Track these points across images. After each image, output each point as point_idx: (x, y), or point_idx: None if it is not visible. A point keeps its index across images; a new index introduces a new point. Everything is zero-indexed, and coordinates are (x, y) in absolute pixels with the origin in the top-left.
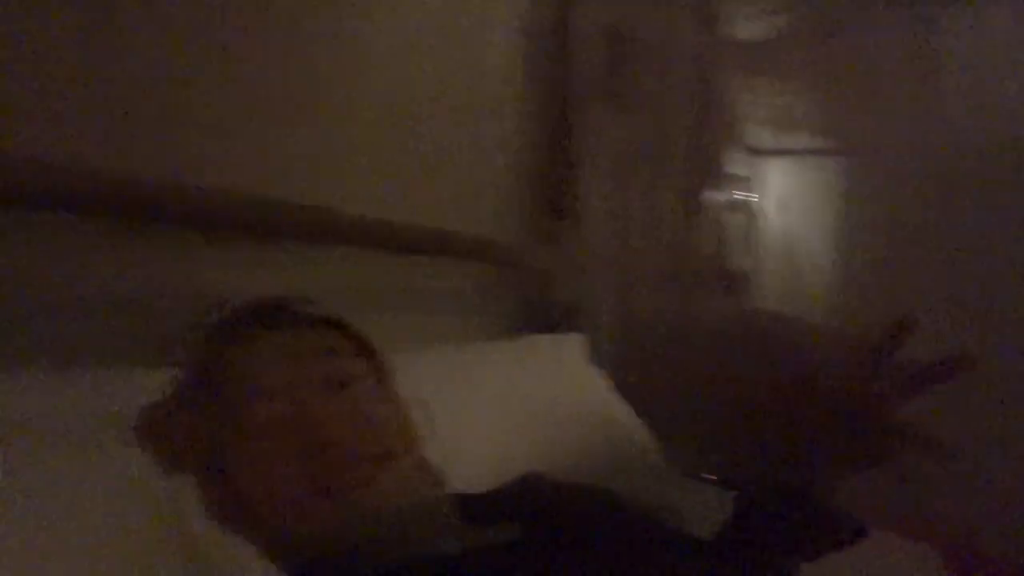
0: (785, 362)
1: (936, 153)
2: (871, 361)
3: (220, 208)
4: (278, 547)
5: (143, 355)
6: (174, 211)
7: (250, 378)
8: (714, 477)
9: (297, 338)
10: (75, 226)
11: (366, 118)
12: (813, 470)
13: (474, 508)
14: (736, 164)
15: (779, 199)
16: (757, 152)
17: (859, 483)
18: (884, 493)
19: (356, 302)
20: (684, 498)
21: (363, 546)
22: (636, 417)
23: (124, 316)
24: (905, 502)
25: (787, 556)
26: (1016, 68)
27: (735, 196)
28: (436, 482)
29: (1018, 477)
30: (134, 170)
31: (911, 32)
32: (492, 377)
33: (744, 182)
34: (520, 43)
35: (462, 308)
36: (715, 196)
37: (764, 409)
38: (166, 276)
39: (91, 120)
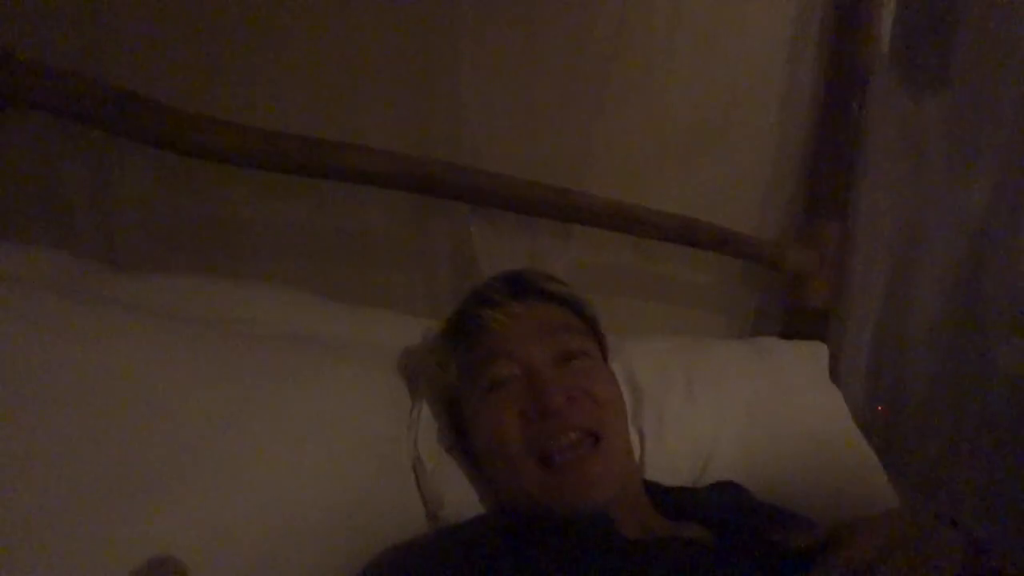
0: None
1: None
2: None
3: (497, 187)
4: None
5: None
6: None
7: (497, 339)
8: None
9: (539, 310)
10: None
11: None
12: None
13: (665, 500)
14: None
15: None
16: None
17: None
18: None
19: (601, 283)
20: None
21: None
22: (869, 448)
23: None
24: None
25: None
26: None
27: None
28: (635, 468)
29: None
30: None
31: None
32: (717, 373)
33: None
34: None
35: (704, 302)
36: None
37: None
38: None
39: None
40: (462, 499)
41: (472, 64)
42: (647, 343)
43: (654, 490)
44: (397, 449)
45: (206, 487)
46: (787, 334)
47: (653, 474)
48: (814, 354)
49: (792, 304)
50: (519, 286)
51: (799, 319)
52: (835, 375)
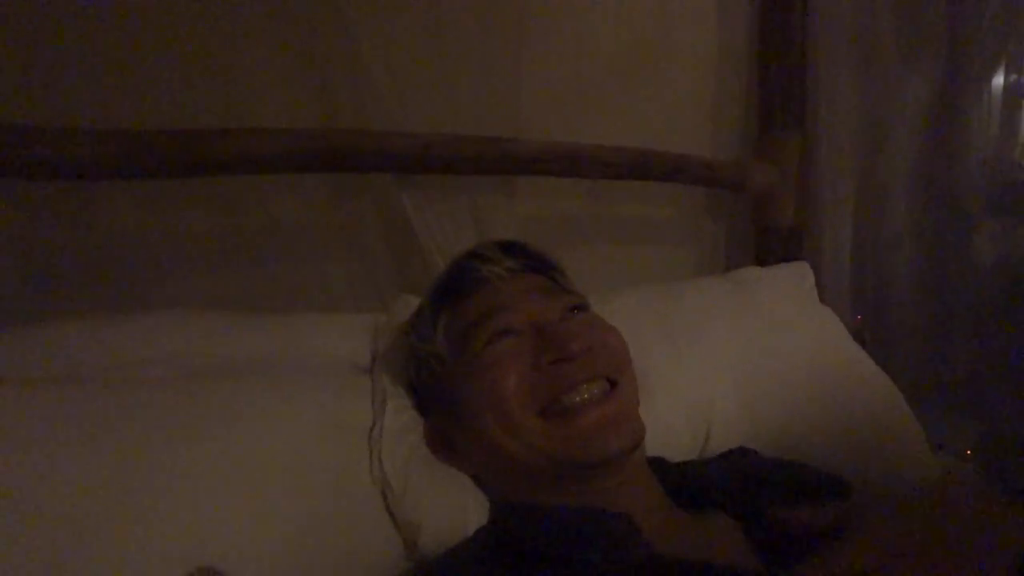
0: None
1: None
2: None
3: (419, 148)
4: (490, 471)
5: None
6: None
7: (499, 292)
8: None
9: (537, 276)
10: None
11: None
12: None
13: (676, 482)
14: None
15: None
16: None
17: None
18: None
19: (554, 234)
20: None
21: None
22: (879, 369)
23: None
24: None
25: None
26: None
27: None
28: (641, 425)
29: None
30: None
31: None
32: (699, 321)
33: None
34: None
35: (669, 238)
36: (998, 79)
37: None
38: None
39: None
40: (443, 522)
41: (369, 15)
42: (613, 299)
43: (661, 469)
44: (355, 479)
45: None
46: (761, 258)
47: (652, 447)
48: (798, 276)
49: (761, 226)
50: (512, 249)
51: (771, 240)
52: (819, 292)
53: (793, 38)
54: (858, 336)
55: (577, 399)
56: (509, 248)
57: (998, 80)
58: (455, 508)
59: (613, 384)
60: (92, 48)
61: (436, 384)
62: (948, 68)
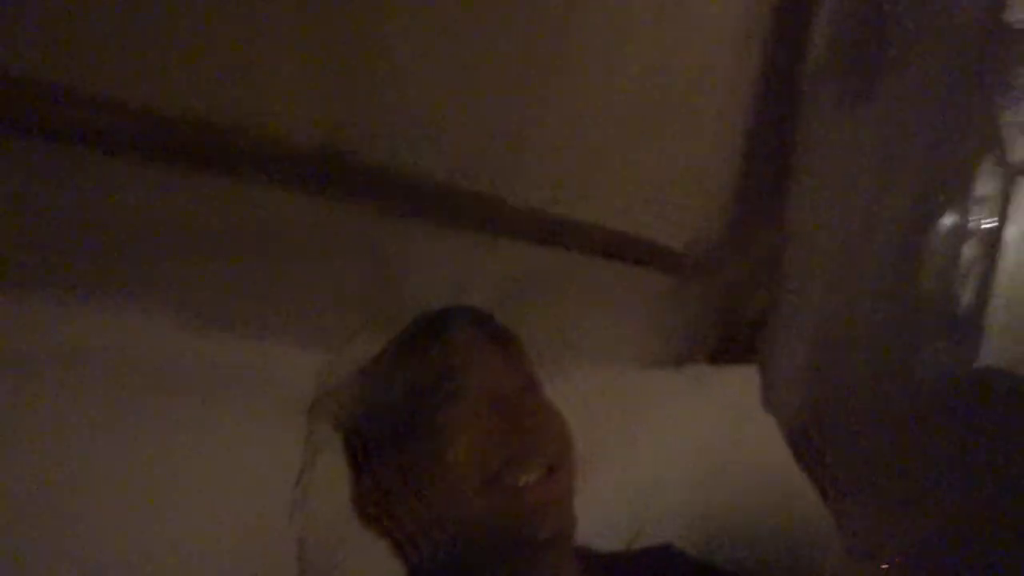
0: (1015, 433)
1: None
2: None
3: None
4: (421, 538)
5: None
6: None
7: (470, 351)
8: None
9: (498, 344)
10: None
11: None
12: None
13: (595, 566)
14: (984, 181)
15: None
16: (1013, 169)
17: None
18: None
19: (537, 297)
20: None
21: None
22: (809, 485)
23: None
24: None
25: None
26: None
27: (973, 221)
28: (574, 518)
29: None
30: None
31: None
32: (653, 411)
33: (989, 204)
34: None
35: (636, 314)
36: (950, 218)
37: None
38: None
39: None
40: None
41: (408, 45)
42: (571, 375)
43: (587, 559)
44: (273, 529)
45: None
46: (721, 348)
47: (583, 531)
48: (747, 380)
49: (725, 316)
50: (483, 317)
51: (733, 331)
52: (772, 387)
53: (785, 137)
54: (804, 435)
55: (521, 479)
56: (480, 314)
57: (956, 215)
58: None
59: (552, 470)
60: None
61: (382, 438)
62: (917, 196)
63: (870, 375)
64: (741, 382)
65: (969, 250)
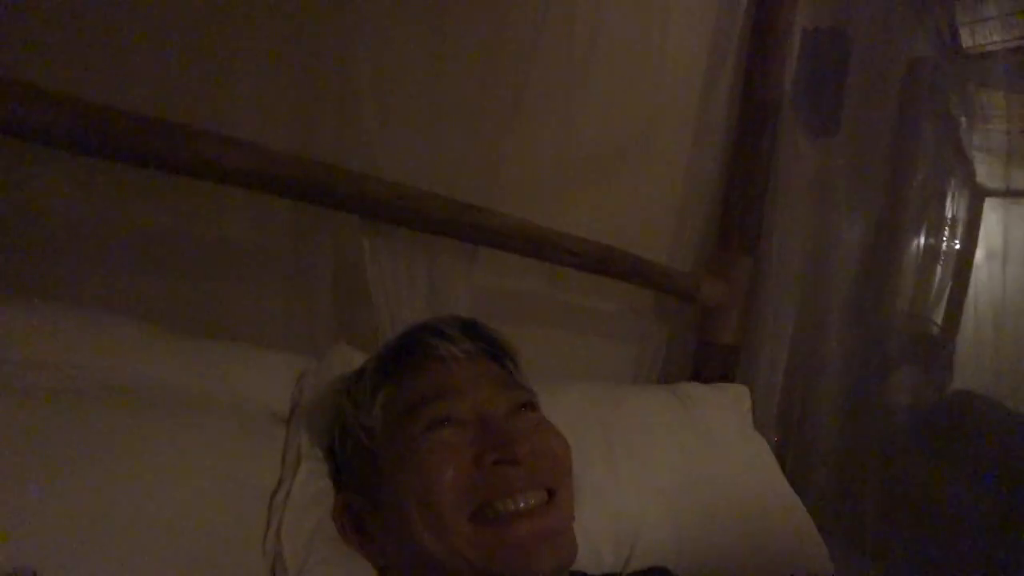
0: (992, 460)
1: None
2: None
3: (394, 199)
4: (401, 568)
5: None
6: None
7: (450, 373)
8: None
9: (492, 363)
10: None
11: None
12: None
13: None
14: (951, 204)
15: (998, 252)
16: (980, 191)
17: None
18: None
19: (505, 310)
20: None
21: None
22: (802, 506)
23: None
24: None
25: None
26: None
27: (942, 243)
28: (574, 544)
29: None
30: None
31: None
32: (640, 433)
33: (956, 227)
34: (719, 50)
35: (613, 333)
36: (918, 240)
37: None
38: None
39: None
40: None
41: (371, 52)
42: (559, 393)
43: None
44: (247, 544)
45: None
46: (698, 369)
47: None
48: (737, 398)
49: (704, 338)
50: (473, 330)
51: (711, 353)
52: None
53: (759, 172)
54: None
55: (512, 507)
56: (469, 328)
57: (920, 240)
58: None
59: (551, 494)
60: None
61: (360, 460)
62: (883, 221)
63: (841, 400)
64: (728, 402)
65: (940, 272)
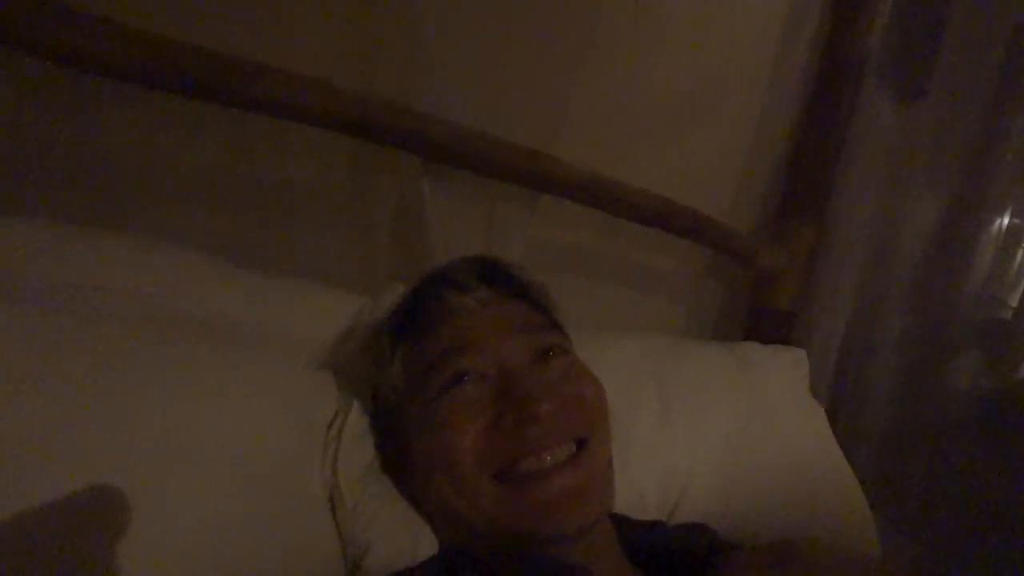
0: None
1: None
2: None
3: (457, 141)
4: (438, 521)
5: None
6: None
7: (464, 328)
8: None
9: (513, 304)
10: None
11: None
12: None
13: (634, 541)
14: None
15: None
16: None
17: None
18: None
19: (560, 260)
20: None
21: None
22: (855, 480)
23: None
24: None
25: None
26: None
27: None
28: (614, 490)
29: None
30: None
31: None
32: (695, 389)
33: None
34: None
35: (666, 291)
36: (1000, 220)
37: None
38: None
39: None
40: (392, 545)
41: None
42: (614, 344)
43: (622, 527)
44: (306, 479)
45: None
46: (749, 333)
47: (616, 507)
48: (796, 364)
49: (757, 303)
50: (489, 272)
51: (763, 319)
52: None
53: (833, 135)
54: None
55: (537, 466)
56: (486, 271)
57: (1003, 220)
58: (408, 535)
59: (582, 443)
60: None
61: (390, 416)
62: (961, 199)
63: (896, 378)
64: (786, 366)
65: (1021, 256)
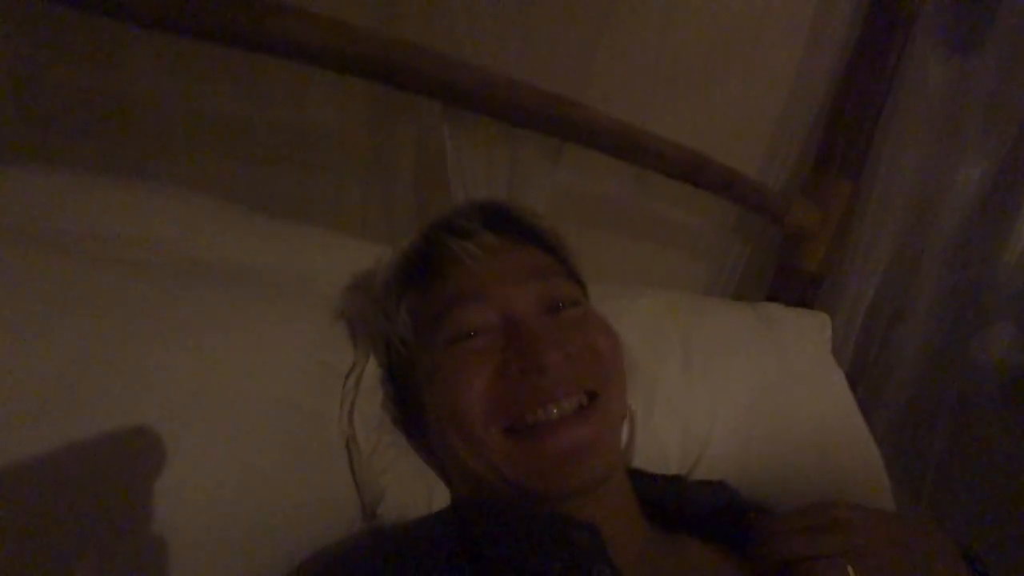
0: None
1: None
2: None
3: (481, 85)
4: (449, 472)
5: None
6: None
7: (468, 276)
8: None
9: (520, 250)
10: None
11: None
12: None
13: (653, 497)
14: None
15: None
16: None
17: None
18: None
19: (584, 213)
20: None
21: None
22: (875, 446)
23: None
24: None
25: None
26: None
27: None
28: (616, 451)
29: None
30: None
31: None
32: (720, 345)
33: None
34: None
35: (690, 247)
36: None
37: None
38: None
39: None
40: (407, 495)
41: None
42: (638, 298)
43: (641, 482)
44: (324, 425)
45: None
46: (774, 293)
47: (638, 461)
48: (820, 328)
49: (786, 263)
50: (496, 217)
51: (790, 280)
52: None
53: (877, 89)
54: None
55: (544, 417)
56: (494, 216)
57: None
58: (423, 485)
59: (593, 396)
60: None
61: (401, 368)
62: (1011, 164)
63: (924, 347)
64: (810, 328)
65: None
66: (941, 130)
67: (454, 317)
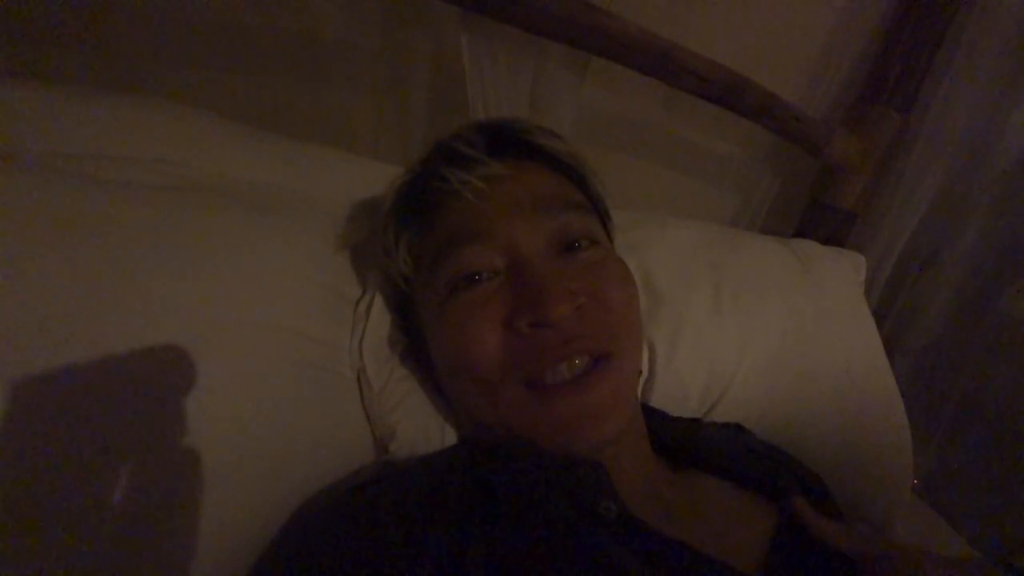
0: None
1: None
2: None
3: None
4: (460, 414)
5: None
6: None
7: (470, 212)
8: None
9: (530, 176)
10: None
11: None
12: None
13: (667, 436)
14: None
15: None
16: None
17: None
18: None
19: (608, 134)
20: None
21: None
22: (900, 399)
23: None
24: None
25: None
26: None
27: None
28: (628, 412)
29: None
30: None
31: None
32: (751, 282)
33: None
34: None
35: (719, 176)
36: None
37: None
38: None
39: None
40: (419, 430)
41: None
42: (667, 229)
43: (655, 421)
44: (336, 356)
45: None
46: (803, 230)
47: (657, 398)
48: (855, 269)
49: (818, 198)
50: (503, 140)
51: (822, 217)
52: None
53: (941, 13)
54: None
55: (551, 380)
56: (501, 139)
57: None
58: (435, 422)
59: (605, 358)
60: None
61: (405, 307)
62: None
63: (959, 295)
64: (845, 270)
65: None
66: (1009, 66)
67: (454, 259)
